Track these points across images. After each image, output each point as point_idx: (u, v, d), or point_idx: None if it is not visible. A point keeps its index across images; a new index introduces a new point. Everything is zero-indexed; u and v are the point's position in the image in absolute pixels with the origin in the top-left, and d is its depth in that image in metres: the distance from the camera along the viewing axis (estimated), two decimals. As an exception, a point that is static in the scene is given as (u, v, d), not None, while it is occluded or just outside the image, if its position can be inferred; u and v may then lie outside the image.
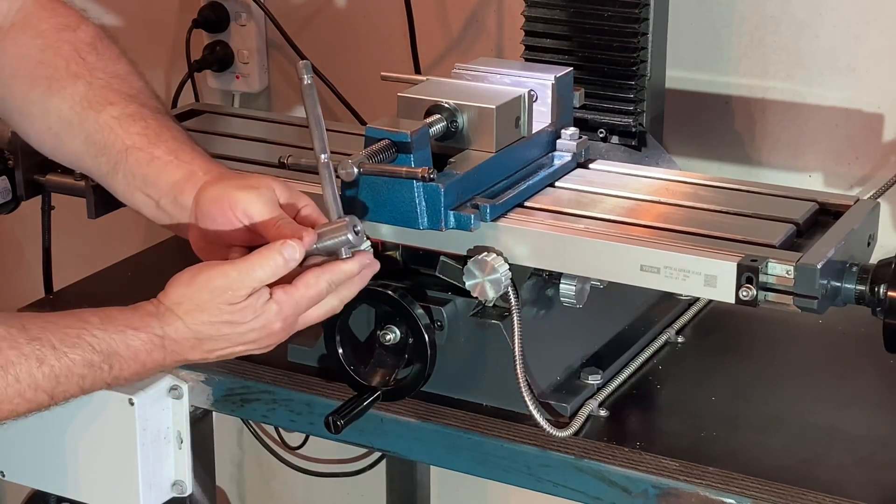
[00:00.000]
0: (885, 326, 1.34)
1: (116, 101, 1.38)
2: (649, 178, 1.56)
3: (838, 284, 1.34)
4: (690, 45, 1.86)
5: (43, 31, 1.42)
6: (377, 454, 2.22)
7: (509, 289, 1.39)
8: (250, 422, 2.26)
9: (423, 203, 1.37)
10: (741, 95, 1.87)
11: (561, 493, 1.42)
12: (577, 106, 1.62)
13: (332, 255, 1.29)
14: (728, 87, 1.88)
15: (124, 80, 1.41)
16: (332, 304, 1.29)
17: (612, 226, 1.41)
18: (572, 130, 1.56)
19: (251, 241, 1.30)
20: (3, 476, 1.66)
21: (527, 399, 1.39)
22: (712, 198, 1.49)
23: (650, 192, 1.50)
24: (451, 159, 1.44)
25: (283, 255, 1.24)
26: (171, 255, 1.97)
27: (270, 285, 1.25)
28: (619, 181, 1.54)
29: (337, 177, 1.32)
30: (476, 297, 1.40)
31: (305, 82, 1.26)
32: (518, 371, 1.39)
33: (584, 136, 1.58)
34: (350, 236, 1.27)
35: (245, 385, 1.57)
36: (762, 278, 1.30)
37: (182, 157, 1.35)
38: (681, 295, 1.64)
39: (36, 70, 1.40)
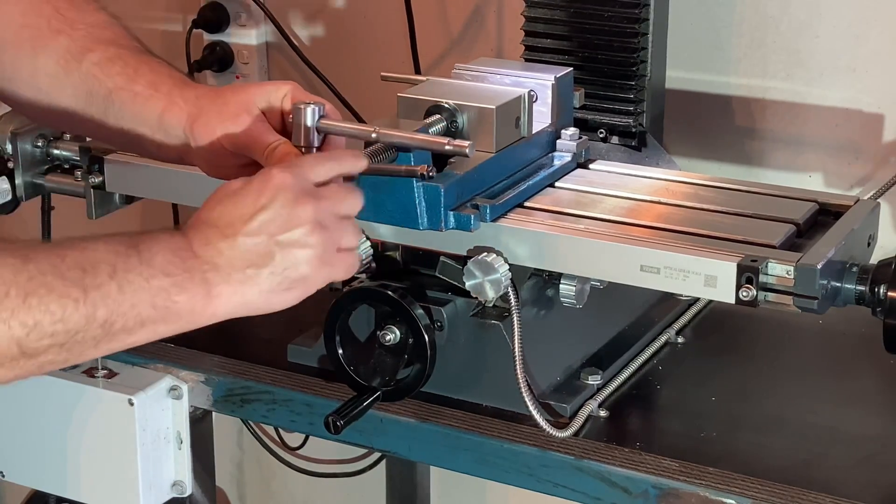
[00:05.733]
0: (885, 326, 1.33)
1: (96, 47, 1.38)
2: (649, 178, 1.56)
3: (838, 285, 1.34)
4: (690, 45, 1.86)
5: None
6: (377, 454, 2.22)
7: (509, 289, 1.39)
8: (250, 422, 2.26)
9: (423, 203, 1.37)
10: (741, 95, 1.87)
11: (561, 493, 1.42)
12: (577, 106, 1.62)
13: None
14: (728, 87, 1.88)
15: (104, 28, 1.41)
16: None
17: (612, 226, 1.41)
18: (572, 131, 1.56)
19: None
20: (3, 476, 1.67)
21: (527, 399, 1.39)
22: (712, 198, 1.49)
23: (650, 192, 1.50)
24: (451, 159, 1.44)
25: None
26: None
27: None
28: (619, 181, 1.54)
29: None
30: (476, 297, 1.40)
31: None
32: (518, 371, 1.39)
33: (585, 137, 1.58)
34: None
35: (245, 385, 1.57)
36: (762, 278, 1.30)
37: (161, 89, 1.35)
38: (681, 295, 1.64)
39: (20, 34, 1.40)
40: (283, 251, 1.15)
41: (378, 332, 1.42)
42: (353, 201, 1.23)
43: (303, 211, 1.16)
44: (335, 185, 1.22)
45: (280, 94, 1.33)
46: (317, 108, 1.29)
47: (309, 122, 1.29)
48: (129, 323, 1.10)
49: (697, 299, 1.66)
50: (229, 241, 1.15)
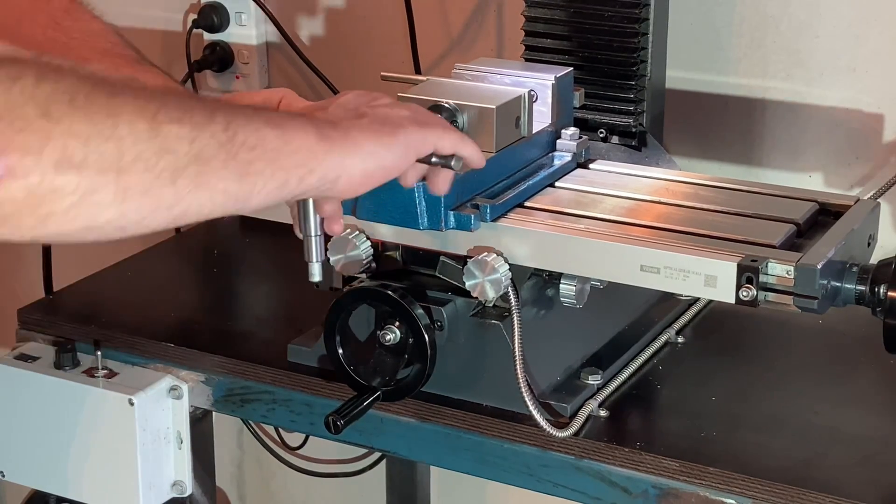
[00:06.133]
0: (885, 326, 1.33)
1: (91, 56, 1.38)
2: (649, 178, 1.56)
3: (838, 284, 1.34)
4: (690, 45, 1.86)
5: (19, 2, 1.42)
6: (377, 454, 2.22)
7: (509, 289, 1.39)
8: (250, 422, 2.26)
9: (423, 203, 1.37)
10: (741, 95, 1.87)
11: (561, 493, 1.42)
12: (577, 106, 1.62)
13: None
14: (728, 88, 1.88)
15: (100, 37, 1.41)
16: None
17: (612, 226, 1.41)
18: (572, 130, 1.56)
19: None
20: (3, 476, 1.67)
21: (527, 399, 1.39)
22: (712, 198, 1.49)
23: (650, 192, 1.50)
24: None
25: None
26: (171, 255, 1.97)
27: None
28: (619, 181, 1.54)
29: None
30: (476, 297, 1.40)
31: None
32: (518, 371, 1.39)
33: (585, 136, 1.58)
34: None
35: (245, 385, 1.57)
36: (762, 278, 1.30)
37: None
38: (681, 295, 1.64)
39: (14, 43, 1.40)
40: (374, 110, 1.22)
41: (378, 332, 1.42)
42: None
43: (378, 95, 1.26)
44: None
45: (274, 102, 1.32)
46: None
47: None
48: (250, 138, 1.04)
49: (697, 299, 1.66)
50: (322, 111, 1.22)
